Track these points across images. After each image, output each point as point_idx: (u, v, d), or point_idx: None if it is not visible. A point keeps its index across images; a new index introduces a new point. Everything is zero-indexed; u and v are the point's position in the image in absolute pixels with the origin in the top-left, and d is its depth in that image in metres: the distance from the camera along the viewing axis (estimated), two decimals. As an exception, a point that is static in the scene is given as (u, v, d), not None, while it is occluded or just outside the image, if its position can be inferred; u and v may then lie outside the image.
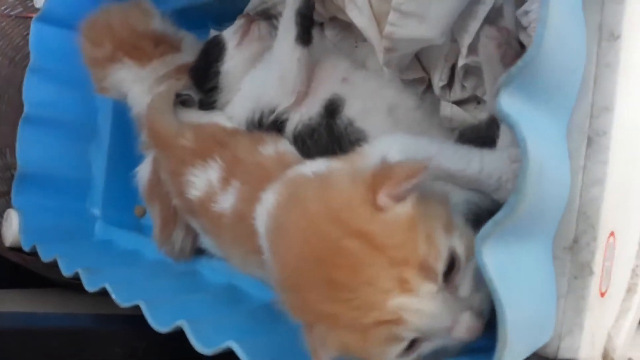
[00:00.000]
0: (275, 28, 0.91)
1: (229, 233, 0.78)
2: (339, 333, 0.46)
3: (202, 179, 0.81)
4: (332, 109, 0.74)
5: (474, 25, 0.65)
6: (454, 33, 0.67)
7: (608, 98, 0.54)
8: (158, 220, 0.95)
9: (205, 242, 0.94)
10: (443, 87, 0.74)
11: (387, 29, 0.68)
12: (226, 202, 0.77)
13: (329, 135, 0.73)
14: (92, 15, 1.03)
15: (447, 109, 0.72)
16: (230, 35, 0.91)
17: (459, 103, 0.75)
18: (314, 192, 0.52)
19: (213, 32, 1.10)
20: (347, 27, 0.85)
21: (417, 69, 0.76)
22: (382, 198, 0.47)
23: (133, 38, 0.98)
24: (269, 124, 0.79)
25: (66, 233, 1.25)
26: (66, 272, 0.98)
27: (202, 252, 0.99)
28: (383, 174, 0.48)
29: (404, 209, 0.47)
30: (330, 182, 0.52)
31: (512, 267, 0.45)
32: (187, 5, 1.11)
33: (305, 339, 0.50)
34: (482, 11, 0.64)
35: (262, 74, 0.82)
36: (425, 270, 0.44)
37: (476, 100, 0.74)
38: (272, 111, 0.79)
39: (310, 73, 0.78)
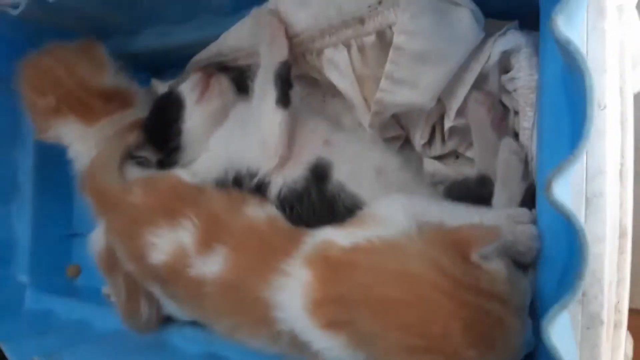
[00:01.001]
0: (234, 83, 0.90)
1: (216, 301, 0.73)
2: None
3: (169, 241, 0.75)
4: (320, 173, 0.74)
5: (462, 91, 0.68)
6: (440, 97, 0.70)
7: (600, 162, 0.59)
8: (123, 291, 0.88)
9: (172, 308, 0.89)
10: (424, 145, 0.76)
11: (379, 94, 0.69)
12: (208, 267, 0.72)
13: (320, 201, 0.72)
14: (36, 56, 0.92)
15: (430, 166, 0.75)
16: (188, 91, 0.87)
17: (438, 158, 0.78)
18: (402, 260, 0.55)
19: (156, 83, 1.05)
20: (315, 83, 0.85)
21: (395, 127, 0.78)
22: (475, 256, 0.53)
23: (81, 92, 0.89)
24: (253, 188, 0.76)
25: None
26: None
27: (170, 320, 0.93)
28: (463, 236, 0.55)
29: (500, 264, 0.54)
30: (409, 247, 0.57)
31: (564, 335, 0.49)
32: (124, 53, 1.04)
33: None
34: (470, 77, 0.67)
35: (236, 134, 0.79)
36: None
37: (455, 155, 0.77)
38: (253, 174, 0.77)
39: (290, 135, 0.77)
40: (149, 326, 0.89)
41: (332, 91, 0.86)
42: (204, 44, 0.93)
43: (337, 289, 0.60)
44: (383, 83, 0.67)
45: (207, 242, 0.73)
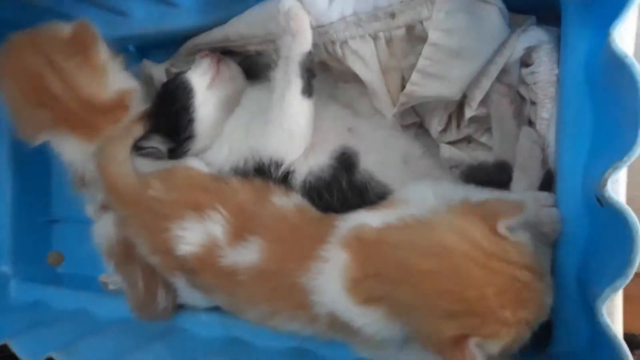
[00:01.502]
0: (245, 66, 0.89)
1: (251, 289, 0.74)
2: (512, 330, 0.57)
3: (197, 233, 0.76)
4: (347, 162, 0.76)
5: (486, 83, 0.72)
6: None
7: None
8: (141, 283, 0.87)
9: (192, 297, 0.90)
10: (440, 131, 0.81)
11: (409, 87, 0.72)
12: (241, 257, 0.74)
13: (351, 190, 0.75)
14: (23, 47, 0.81)
15: (447, 151, 0.80)
16: (197, 76, 0.86)
17: (451, 143, 0.82)
18: (435, 234, 0.60)
19: (148, 64, 1.02)
20: (325, 68, 0.86)
21: (412, 115, 0.82)
22: (502, 229, 0.58)
23: (81, 110, 0.82)
24: (279, 178, 0.78)
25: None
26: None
27: (182, 307, 0.94)
28: (490, 210, 0.60)
29: (525, 236, 0.60)
30: (441, 222, 0.61)
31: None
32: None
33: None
34: (494, 70, 0.71)
35: (255, 123, 0.79)
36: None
37: (467, 140, 0.82)
38: (278, 164, 0.78)
39: (313, 124, 0.78)
40: (164, 315, 0.90)
41: (344, 77, 0.88)
42: (203, 30, 0.91)
43: (373, 267, 0.64)
44: (415, 77, 0.70)
45: (238, 233, 0.74)
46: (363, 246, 0.66)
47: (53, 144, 0.87)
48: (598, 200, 0.59)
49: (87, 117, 0.83)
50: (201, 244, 0.75)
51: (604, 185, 0.51)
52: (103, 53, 0.85)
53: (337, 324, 0.69)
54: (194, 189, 0.79)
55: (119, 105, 0.85)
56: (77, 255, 1.19)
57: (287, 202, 0.76)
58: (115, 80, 0.85)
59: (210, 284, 0.78)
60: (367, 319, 0.66)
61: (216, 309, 0.90)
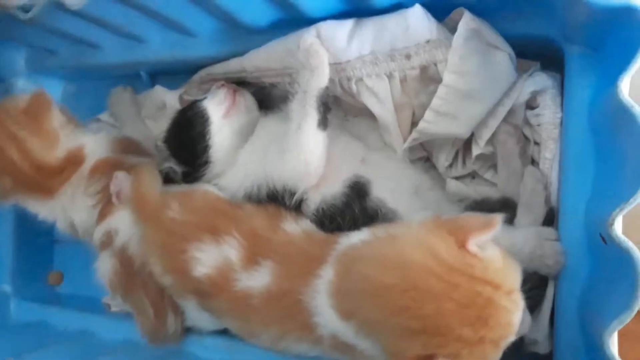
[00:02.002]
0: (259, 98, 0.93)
1: (263, 312, 0.76)
2: (475, 350, 0.55)
3: (213, 256, 0.78)
4: (360, 190, 0.79)
5: (494, 123, 0.76)
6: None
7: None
8: (149, 309, 0.89)
9: (199, 320, 0.91)
10: (447, 166, 0.85)
11: (422, 125, 0.76)
12: (254, 281, 0.75)
13: (362, 216, 0.78)
14: None
15: (453, 186, 0.83)
16: (214, 106, 0.89)
17: (456, 178, 0.86)
18: (399, 248, 0.59)
19: (161, 91, 1.05)
20: (335, 102, 0.90)
21: (420, 149, 0.86)
22: (472, 246, 0.57)
23: (36, 174, 0.90)
24: (292, 206, 0.81)
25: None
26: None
27: (188, 331, 0.95)
28: (460, 226, 0.59)
29: (495, 252, 0.59)
30: (407, 237, 0.61)
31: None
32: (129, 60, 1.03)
33: None
34: (502, 112, 0.76)
35: (271, 152, 0.82)
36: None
37: (471, 175, 0.86)
38: (292, 192, 0.81)
39: (327, 155, 0.81)
40: (174, 339, 0.91)
41: (354, 111, 0.92)
42: (218, 60, 0.95)
43: (346, 282, 0.64)
44: (428, 115, 0.74)
45: (252, 257, 0.77)
46: (342, 262, 0.67)
47: (24, 205, 0.95)
48: (602, 237, 0.63)
49: (40, 180, 0.91)
50: (217, 266, 0.77)
51: (611, 225, 0.55)
52: (56, 119, 0.93)
53: (340, 345, 0.70)
54: (211, 213, 0.81)
55: (68, 163, 0.92)
56: (78, 275, 1.20)
57: (295, 228, 0.79)
58: (67, 141, 0.93)
59: (223, 308, 0.80)
60: (351, 335, 0.65)
61: (222, 333, 0.92)
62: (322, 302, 0.68)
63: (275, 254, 0.76)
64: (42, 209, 0.94)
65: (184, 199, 0.83)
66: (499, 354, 0.58)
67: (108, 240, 0.90)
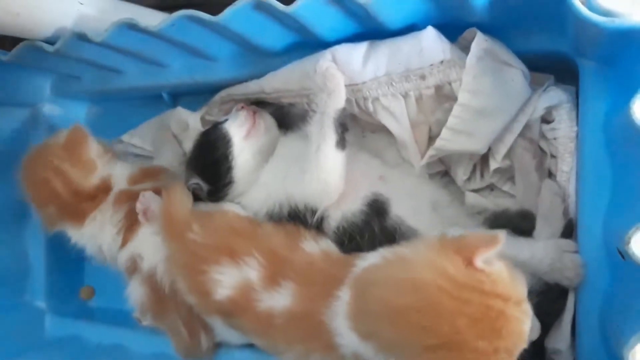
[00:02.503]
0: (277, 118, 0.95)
1: (286, 332, 0.78)
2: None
3: (234, 277, 0.80)
4: (379, 208, 0.81)
5: (510, 138, 0.78)
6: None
7: None
8: (183, 330, 0.92)
9: (228, 336, 0.94)
10: (465, 180, 0.86)
11: (439, 142, 0.77)
12: (276, 301, 0.78)
13: (382, 234, 0.80)
14: (33, 162, 1.00)
15: (472, 199, 0.85)
16: (235, 128, 0.92)
17: (474, 191, 0.88)
18: (410, 269, 0.62)
19: (184, 112, 1.08)
20: (354, 118, 0.92)
21: (438, 164, 0.87)
22: (479, 262, 0.59)
23: (73, 200, 0.98)
24: (314, 223, 0.83)
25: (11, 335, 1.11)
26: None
27: (219, 345, 0.98)
28: (466, 244, 0.61)
29: (501, 266, 0.61)
30: (416, 257, 0.63)
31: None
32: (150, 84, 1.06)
33: None
34: (518, 127, 0.77)
35: (292, 172, 0.85)
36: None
37: (489, 188, 0.87)
38: (313, 211, 0.83)
39: (346, 173, 0.83)
40: (208, 354, 0.95)
41: (371, 127, 0.94)
42: (237, 82, 0.97)
43: (362, 304, 0.67)
44: (445, 133, 0.76)
45: (272, 278, 0.78)
46: (357, 285, 0.69)
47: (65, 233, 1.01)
48: (619, 252, 0.64)
49: (76, 205, 0.98)
50: (238, 287, 0.79)
51: (628, 243, 0.56)
52: (93, 149, 1.00)
53: None
54: (230, 234, 0.84)
55: (99, 191, 0.99)
56: (109, 290, 1.23)
57: (314, 247, 0.81)
58: (102, 170, 1.00)
59: (247, 327, 0.82)
60: (371, 355, 0.67)
61: (251, 346, 0.94)
62: (341, 323, 0.70)
63: (296, 275, 0.78)
64: (75, 234, 1.00)
65: (203, 220, 0.86)
66: None
67: (133, 266, 0.95)
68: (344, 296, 0.70)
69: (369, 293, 0.65)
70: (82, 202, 0.97)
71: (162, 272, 0.91)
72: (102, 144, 1.03)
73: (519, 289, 0.61)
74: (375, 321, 0.64)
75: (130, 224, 0.96)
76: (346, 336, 0.69)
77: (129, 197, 0.97)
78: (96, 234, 0.98)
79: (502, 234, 0.60)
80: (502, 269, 0.61)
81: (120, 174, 1.01)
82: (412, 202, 0.82)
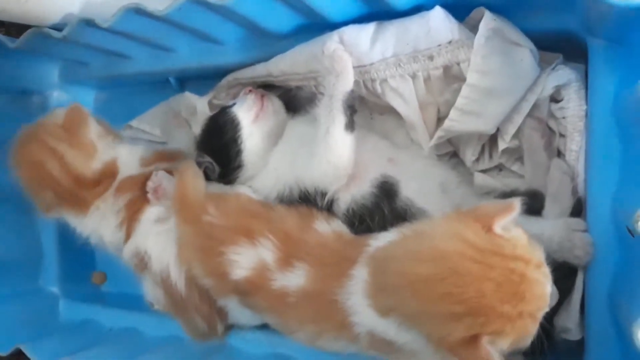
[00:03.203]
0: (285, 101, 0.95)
1: (300, 311, 0.79)
2: (516, 324, 0.58)
3: (249, 258, 0.81)
4: (388, 189, 0.82)
5: (518, 118, 0.78)
6: (498, 122, 0.80)
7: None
8: (203, 324, 0.93)
9: (241, 317, 0.95)
10: (473, 160, 0.86)
11: (448, 123, 0.78)
12: (290, 280, 0.78)
13: (392, 216, 0.80)
14: (27, 141, 0.93)
15: (481, 179, 0.85)
16: (243, 111, 0.92)
17: (483, 171, 0.88)
18: (430, 240, 0.62)
19: (190, 96, 1.08)
20: (362, 101, 0.92)
21: (447, 145, 0.87)
22: (498, 228, 0.60)
23: (74, 187, 0.92)
24: (325, 205, 0.83)
25: (27, 320, 1.13)
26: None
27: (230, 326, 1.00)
28: (484, 212, 0.62)
29: (519, 231, 0.62)
30: (435, 228, 0.64)
31: None
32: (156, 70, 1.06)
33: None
34: (526, 107, 0.77)
35: (301, 154, 0.85)
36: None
37: (498, 168, 0.87)
38: (323, 193, 0.83)
39: (355, 155, 0.84)
40: (221, 337, 0.96)
41: (380, 109, 0.94)
42: (245, 66, 0.97)
43: (381, 281, 0.67)
44: (453, 114, 0.76)
45: (286, 258, 0.79)
46: (374, 262, 0.69)
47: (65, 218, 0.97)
48: (629, 230, 0.64)
49: (78, 193, 0.92)
50: (253, 267, 0.80)
51: (637, 221, 0.56)
52: (92, 130, 0.95)
53: (377, 342, 0.72)
54: (245, 216, 0.84)
55: (104, 176, 0.94)
56: (119, 274, 1.25)
57: (326, 228, 0.81)
58: (104, 153, 0.95)
59: (262, 306, 0.83)
60: (391, 331, 0.68)
61: (262, 327, 0.96)
62: (358, 302, 0.70)
63: (309, 256, 0.79)
64: (78, 224, 0.97)
65: (219, 202, 0.86)
66: (537, 325, 0.60)
67: (141, 264, 0.92)
68: (360, 275, 0.70)
69: (388, 268, 0.66)
70: (83, 189, 0.92)
71: (176, 275, 0.90)
72: (104, 125, 0.98)
73: (538, 252, 0.61)
74: (397, 295, 0.64)
75: (132, 214, 0.93)
76: (363, 314, 0.70)
77: (132, 186, 0.93)
78: (98, 223, 0.94)
79: (517, 201, 0.61)
80: (520, 234, 0.61)
81: (128, 158, 0.96)
82: (421, 184, 0.82)
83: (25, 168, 0.93)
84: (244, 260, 0.81)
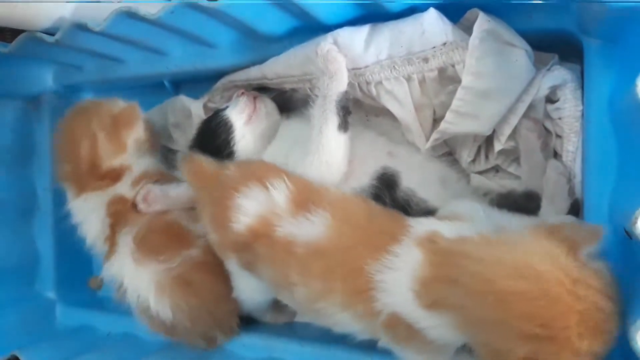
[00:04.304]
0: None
1: (307, 263, 0.73)
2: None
3: (258, 201, 0.77)
4: (388, 181, 0.81)
5: (514, 119, 0.77)
6: (493, 124, 0.79)
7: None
8: (202, 342, 0.95)
9: (246, 289, 0.90)
10: (469, 161, 0.86)
11: (444, 125, 0.77)
12: (302, 229, 0.73)
13: (394, 206, 0.79)
14: (76, 113, 1.00)
15: (476, 181, 0.85)
16: (236, 113, 0.92)
17: (479, 172, 0.87)
18: (524, 255, 0.60)
19: (186, 100, 1.07)
20: (357, 102, 0.91)
21: (443, 146, 0.87)
22: (582, 256, 0.59)
23: (86, 168, 0.97)
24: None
25: (23, 325, 1.12)
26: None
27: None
28: (569, 236, 0.60)
29: (602, 265, 0.60)
30: (527, 245, 0.61)
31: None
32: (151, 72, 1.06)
33: None
34: (522, 108, 0.76)
35: (294, 154, 0.85)
36: None
37: (495, 169, 0.87)
38: None
39: (350, 152, 0.83)
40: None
41: (375, 111, 0.93)
42: (238, 69, 0.97)
43: (448, 273, 0.63)
44: (449, 116, 0.75)
45: (303, 203, 0.74)
46: (437, 251, 0.66)
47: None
48: (626, 232, 0.64)
49: (85, 176, 0.97)
50: (259, 214, 0.76)
51: (635, 223, 0.56)
52: (135, 134, 0.99)
53: (398, 326, 0.68)
54: (264, 169, 0.81)
55: (112, 176, 0.98)
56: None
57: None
58: (128, 157, 0.98)
59: (260, 255, 0.77)
60: (430, 323, 0.65)
61: (260, 332, 0.95)
62: (395, 281, 0.66)
63: (331, 207, 0.73)
64: (70, 200, 1.00)
65: (242, 163, 0.86)
66: None
67: (122, 297, 0.93)
68: (407, 256, 0.67)
69: (466, 268, 0.61)
70: (89, 176, 0.96)
71: (157, 305, 0.89)
72: (149, 133, 1.01)
73: (615, 288, 0.59)
74: (468, 296, 0.60)
75: (113, 234, 0.95)
76: (397, 296, 0.66)
77: (120, 206, 0.96)
78: (83, 216, 0.99)
79: (602, 228, 0.60)
80: (604, 268, 0.59)
81: (136, 171, 0.99)
82: (421, 176, 0.82)
83: (63, 136, 0.99)
84: (251, 205, 0.76)
